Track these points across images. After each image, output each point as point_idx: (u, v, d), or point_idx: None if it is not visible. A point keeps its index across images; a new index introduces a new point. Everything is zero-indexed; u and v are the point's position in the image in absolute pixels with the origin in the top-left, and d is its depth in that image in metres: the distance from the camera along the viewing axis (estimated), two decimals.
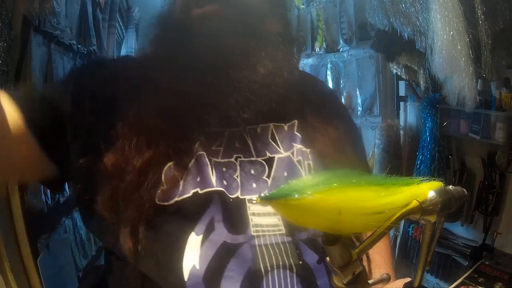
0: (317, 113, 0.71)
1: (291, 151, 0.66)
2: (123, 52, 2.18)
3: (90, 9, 1.82)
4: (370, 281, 0.39)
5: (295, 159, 0.66)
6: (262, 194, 0.32)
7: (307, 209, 0.31)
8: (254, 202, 0.55)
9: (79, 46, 1.76)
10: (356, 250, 0.37)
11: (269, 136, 0.66)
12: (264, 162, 0.64)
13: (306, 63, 2.21)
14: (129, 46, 2.18)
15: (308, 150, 0.67)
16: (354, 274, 0.36)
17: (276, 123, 0.68)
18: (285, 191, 0.31)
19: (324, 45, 2.06)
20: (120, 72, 0.68)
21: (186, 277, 0.54)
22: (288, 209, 0.32)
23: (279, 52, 0.67)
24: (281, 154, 0.66)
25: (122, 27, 2.18)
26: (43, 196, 1.22)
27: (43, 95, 0.67)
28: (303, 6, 2.14)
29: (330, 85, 2.10)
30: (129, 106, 0.62)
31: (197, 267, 0.54)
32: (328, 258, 0.37)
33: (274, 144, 0.66)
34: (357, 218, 0.34)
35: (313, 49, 2.12)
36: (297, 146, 0.67)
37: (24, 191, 1.34)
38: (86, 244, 1.61)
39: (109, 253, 0.63)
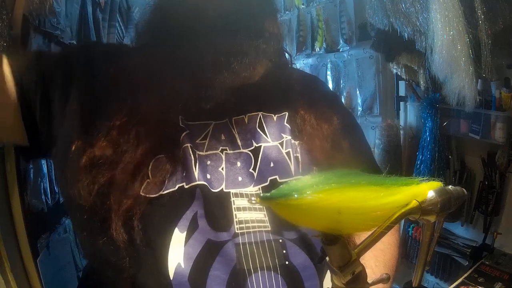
0: (311, 108, 0.70)
1: (279, 141, 0.65)
2: None
3: (90, 9, 1.82)
4: (369, 281, 0.39)
5: (284, 150, 0.65)
6: (262, 194, 0.32)
7: (306, 209, 0.31)
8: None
9: None
10: (356, 250, 0.37)
11: (257, 125, 0.66)
12: (250, 153, 0.63)
13: (306, 63, 2.21)
14: None
15: (296, 143, 0.66)
16: (353, 274, 0.36)
17: (265, 113, 0.67)
18: (285, 191, 0.31)
19: (324, 45, 2.06)
20: (116, 61, 0.67)
21: (171, 275, 0.53)
22: (288, 209, 0.32)
23: (271, 48, 0.66)
24: (268, 143, 0.65)
25: (122, 27, 2.18)
26: (43, 196, 1.22)
27: (42, 57, 0.67)
28: (303, 6, 2.13)
29: (330, 85, 2.09)
30: (121, 98, 0.62)
31: (182, 265, 0.54)
32: (327, 258, 0.37)
33: (262, 133, 0.65)
34: (357, 218, 0.34)
35: (313, 49, 2.12)
36: (287, 137, 0.66)
37: (24, 191, 1.34)
38: None
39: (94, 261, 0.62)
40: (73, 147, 0.59)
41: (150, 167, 0.59)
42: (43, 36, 1.52)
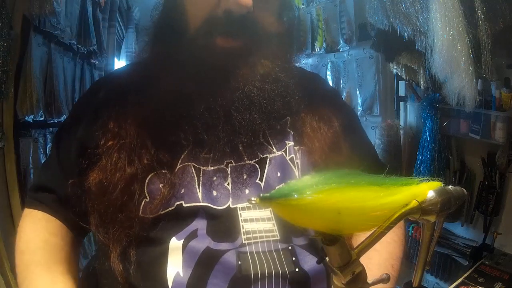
0: (313, 110, 0.69)
1: (283, 150, 0.65)
2: (123, 52, 2.18)
3: (90, 9, 1.82)
4: (369, 281, 0.39)
5: (288, 158, 0.64)
6: (262, 195, 0.32)
7: (306, 209, 0.31)
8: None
9: (79, 46, 1.77)
10: (356, 250, 0.37)
11: (261, 136, 0.64)
12: (256, 165, 0.62)
13: (306, 63, 2.21)
14: (129, 46, 2.18)
15: (296, 148, 0.66)
16: (353, 274, 0.36)
17: (268, 122, 0.65)
18: (284, 191, 0.31)
19: (324, 45, 2.06)
20: (114, 92, 0.67)
21: (170, 284, 0.53)
22: (287, 209, 0.31)
23: (275, 53, 0.65)
24: (274, 153, 0.64)
25: (122, 27, 2.18)
26: None
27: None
28: (303, 6, 2.13)
29: (330, 85, 2.10)
30: (113, 120, 0.62)
31: (181, 274, 0.53)
32: (327, 258, 0.37)
33: (267, 144, 0.65)
34: (357, 218, 0.33)
35: (313, 49, 2.12)
36: (290, 143, 0.66)
37: (24, 191, 1.34)
38: (86, 244, 1.61)
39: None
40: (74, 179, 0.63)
41: (146, 186, 0.59)
42: (43, 36, 1.53)
